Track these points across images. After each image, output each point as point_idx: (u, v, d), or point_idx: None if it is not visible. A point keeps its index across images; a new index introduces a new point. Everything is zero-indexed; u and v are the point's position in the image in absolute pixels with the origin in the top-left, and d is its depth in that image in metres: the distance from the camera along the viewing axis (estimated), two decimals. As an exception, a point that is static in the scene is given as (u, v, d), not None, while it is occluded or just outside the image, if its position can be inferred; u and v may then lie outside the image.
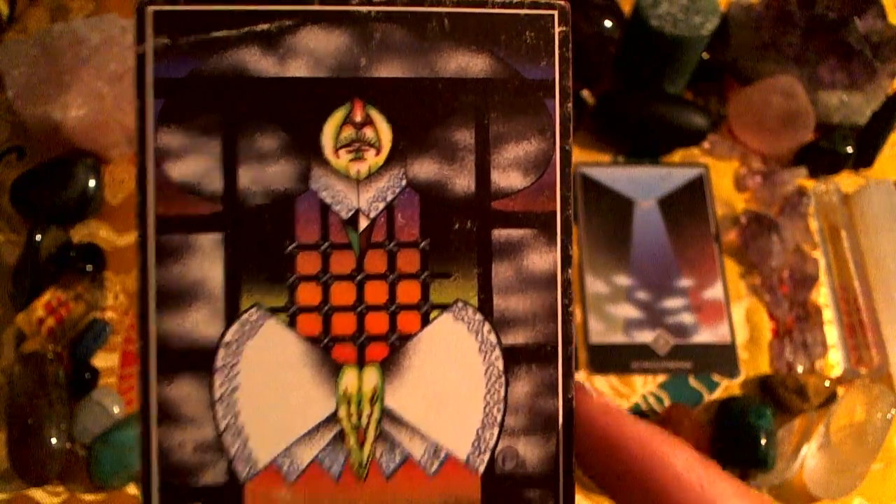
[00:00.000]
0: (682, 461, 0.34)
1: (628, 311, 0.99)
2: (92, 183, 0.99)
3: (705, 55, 1.11)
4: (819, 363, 0.97)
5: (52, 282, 0.94)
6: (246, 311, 0.37)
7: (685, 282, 1.01)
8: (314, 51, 0.37)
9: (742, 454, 0.89)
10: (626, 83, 1.12)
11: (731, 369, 0.98)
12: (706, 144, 1.10)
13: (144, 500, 0.37)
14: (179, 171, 0.36)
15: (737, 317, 1.00)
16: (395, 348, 0.37)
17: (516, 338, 0.38)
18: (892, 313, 1.00)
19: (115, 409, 0.88)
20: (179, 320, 0.36)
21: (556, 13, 0.38)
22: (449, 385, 0.37)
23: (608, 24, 1.07)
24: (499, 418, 0.37)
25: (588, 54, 1.05)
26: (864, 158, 1.10)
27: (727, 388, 0.97)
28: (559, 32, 0.38)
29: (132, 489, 0.87)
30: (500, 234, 0.37)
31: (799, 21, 1.05)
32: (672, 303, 1.00)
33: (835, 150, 1.07)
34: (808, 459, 0.90)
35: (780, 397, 0.94)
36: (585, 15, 1.04)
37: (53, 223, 0.96)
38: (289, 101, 0.37)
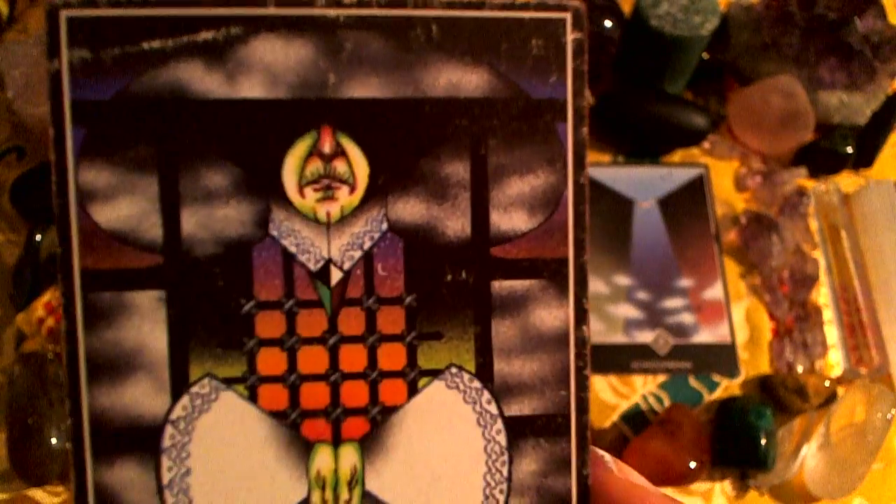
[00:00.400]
0: None
1: (628, 311, 0.95)
2: None
3: (705, 55, 1.07)
4: (819, 363, 0.93)
5: (52, 282, 0.89)
6: (196, 382, 0.30)
7: (685, 282, 0.97)
8: (271, 65, 0.30)
9: (742, 454, 0.85)
10: (626, 83, 1.09)
11: (731, 369, 0.93)
12: (706, 144, 1.06)
13: None
14: (109, 215, 0.29)
15: (737, 317, 0.96)
16: (377, 423, 0.31)
17: (521, 408, 0.33)
18: (892, 313, 0.96)
19: None
20: (117, 394, 0.30)
21: (568, 16, 0.31)
22: (442, 464, 0.32)
23: (608, 24, 1.03)
24: (501, 501, 0.32)
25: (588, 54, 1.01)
26: (864, 158, 1.06)
27: (727, 388, 0.92)
28: (572, 40, 0.31)
29: None
30: (502, 286, 0.32)
31: (799, 21, 1.02)
32: (672, 303, 0.96)
33: (835, 150, 1.04)
34: (809, 459, 0.86)
35: (780, 397, 0.89)
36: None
37: (53, 223, 0.89)
38: (241, 129, 0.29)
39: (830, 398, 0.89)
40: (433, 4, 0.30)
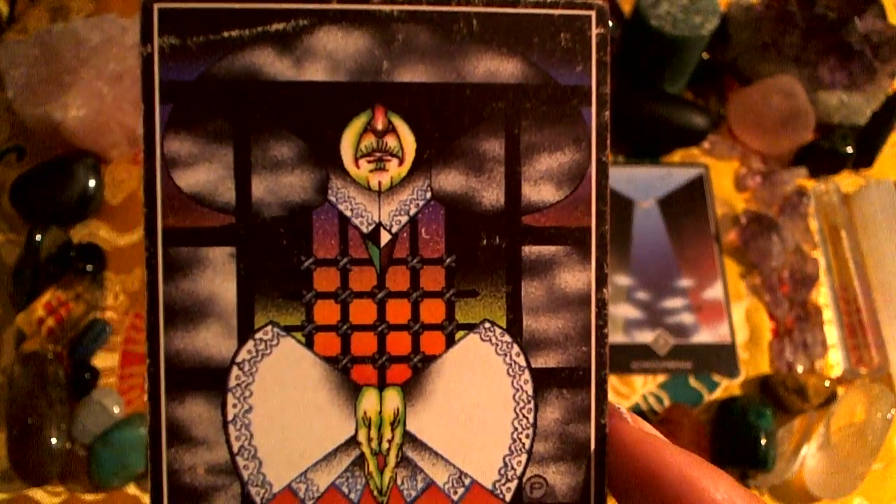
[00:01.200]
0: (724, 493, 0.32)
1: (628, 311, 0.98)
2: (92, 183, 0.98)
3: (705, 55, 1.10)
4: (819, 363, 0.95)
5: (52, 282, 0.93)
6: (260, 329, 0.34)
7: (685, 282, 1.00)
8: (332, 53, 0.34)
9: (742, 454, 0.88)
10: (626, 83, 1.10)
11: (730, 369, 0.96)
12: (706, 144, 1.09)
13: None
14: (189, 180, 0.34)
15: (737, 317, 0.99)
16: (418, 370, 0.35)
17: (547, 360, 0.35)
18: (892, 313, 0.98)
19: (116, 410, 0.87)
20: (190, 338, 0.34)
21: (593, 14, 0.35)
22: (474, 409, 0.35)
23: (608, 23, 1.03)
24: (527, 445, 0.35)
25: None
26: (864, 158, 1.09)
27: (727, 388, 0.95)
28: (596, 35, 0.35)
29: (132, 489, 0.86)
30: (531, 250, 0.35)
31: (799, 21, 1.04)
32: (672, 303, 0.99)
33: (835, 150, 1.06)
34: (808, 459, 0.88)
35: (780, 397, 0.92)
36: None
37: (53, 223, 0.95)
38: (305, 107, 0.34)
39: (830, 398, 0.92)
40: (474, 2, 0.34)
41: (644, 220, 1.03)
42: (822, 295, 1.00)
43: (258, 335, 0.34)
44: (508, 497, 0.35)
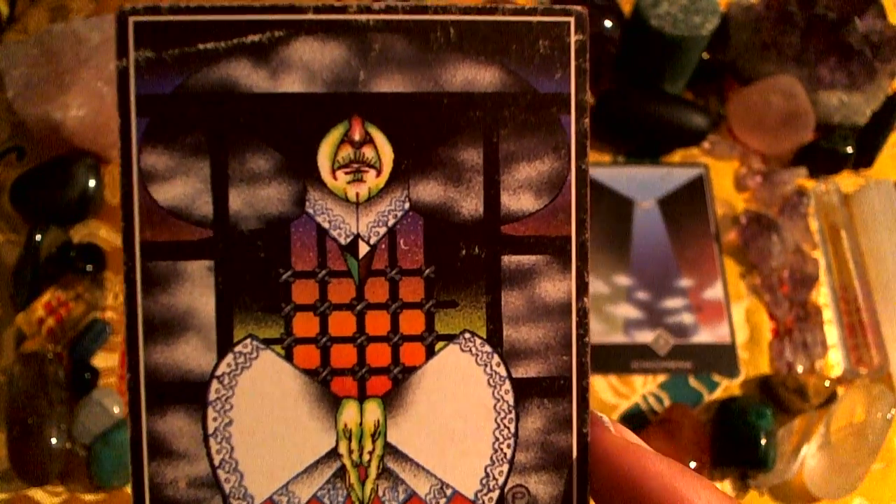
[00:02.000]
0: (706, 502, 0.32)
1: (628, 311, 0.98)
2: (92, 183, 0.98)
3: (705, 55, 1.09)
4: (819, 363, 0.95)
5: (52, 282, 0.93)
6: (239, 342, 0.35)
7: (685, 282, 1.00)
8: (309, 64, 0.34)
9: (742, 454, 0.88)
10: (626, 83, 1.11)
11: (731, 369, 0.96)
12: (706, 144, 1.09)
13: None
14: (166, 194, 0.34)
15: (737, 317, 0.99)
16: (398, 381, 0.35)
17: (527, 370, 0.36)
18: (892, 313, 0.98)
19: (116, 409, 0.87)
20: (170, 352, 0.35)
21: (572, 20, 0.35)
22: (455, 420, 0.35)
23: (608, 23, 1.05)
24: (509, 454, 0.36)
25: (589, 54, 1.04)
26: (864, 158, 1.08)
27: (727, 388, 0.95)
28: (575, 41, 0.35)
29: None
30: (511, 260, 0.35)
31: (799, 21, 1.03)
32: (672, 303, 0.99)
33: (835, 150, 1.05)
34: (808, 459, 0.88)
35: (780, 397, 0.92)
36: (585, 15, 1.02)
37: (53, 223, 0.95)
38: (282, 119, 0.34)
39: (830, 398, 0.91)
40: (451, 10, 0.34)
41: (644, 220, 1.03)
42: (822, 295, 1.00)
43: (237, 348, 0.34)
44: None
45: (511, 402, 0.35)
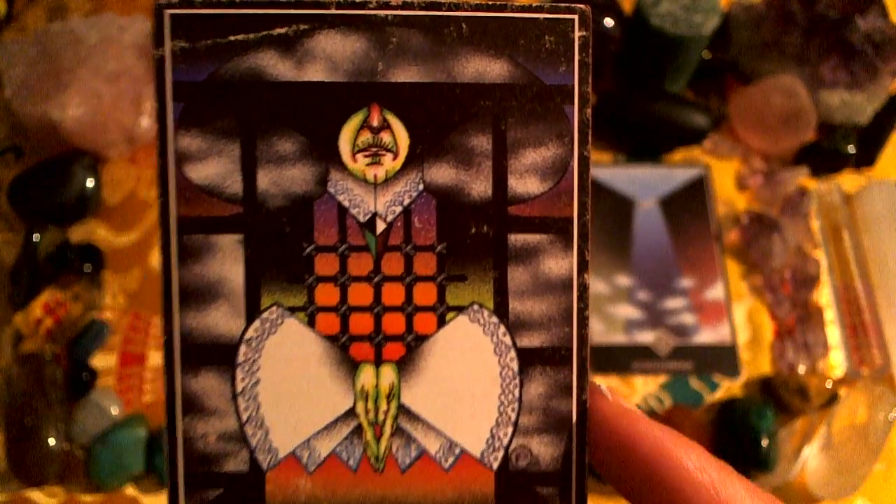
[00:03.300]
0: (696, 462, 0.35)
1: (629, 312, 1.00)
2: (90, 182, 1.00)
3: (706, 54, 1.11)
4: (821, 364, 0.97)
5: (50, 282, 0.95)
6: (266, 309, 0.38)
7: (686, 282, 1.02)
8: (331, 55, 0.37)
9: (743, 455, 0.89)
10: (627, 82, 1.12)
11: (732, 370, 0.98)
12: (707, 144, 1.10)
13: (170, 486, 0.38)
14: (199, 173, 0.37)
15: (738, 317, 1.01)
16: (411, 348, 0.38)
17: (531, 340, 0.38)
18: (894, 313, 1.00)
19: (114, 410, 0.89)
20: (202, 317, 0.38)
21: (576, 17, 0.38)
22: (464, 384, 0.38)
23: (609, 23, 1.07)
24: (513, 417, 0.38)
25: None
26: (866, 158, 1.10)
27: (728, 388, 0.97)
28: (579, 37, 0.38)
29: (131, 490, 0.88)
30: (517, 238, 0.38)
31: (800, 20, 1.05)
32: (673, 303, 1.00)
33: (836, 150, 1.07)
34: (810, 460, 0.90)
35: (781, 398, 0.94)
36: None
37: (51, 223, 0.97)
38: (306, 106, 0.37)
39: (832, 399, 0.93)
40: (464, 7, 0.37)
41: (645, 220, 1.05)
42: (824, 295, 1.01)
43: (264, 315, 0.38)
44: (495, 465, 0.38)
45: (516, 369, 0.38)
